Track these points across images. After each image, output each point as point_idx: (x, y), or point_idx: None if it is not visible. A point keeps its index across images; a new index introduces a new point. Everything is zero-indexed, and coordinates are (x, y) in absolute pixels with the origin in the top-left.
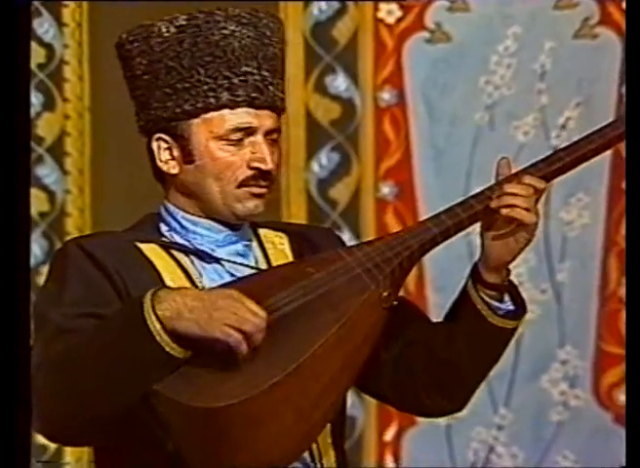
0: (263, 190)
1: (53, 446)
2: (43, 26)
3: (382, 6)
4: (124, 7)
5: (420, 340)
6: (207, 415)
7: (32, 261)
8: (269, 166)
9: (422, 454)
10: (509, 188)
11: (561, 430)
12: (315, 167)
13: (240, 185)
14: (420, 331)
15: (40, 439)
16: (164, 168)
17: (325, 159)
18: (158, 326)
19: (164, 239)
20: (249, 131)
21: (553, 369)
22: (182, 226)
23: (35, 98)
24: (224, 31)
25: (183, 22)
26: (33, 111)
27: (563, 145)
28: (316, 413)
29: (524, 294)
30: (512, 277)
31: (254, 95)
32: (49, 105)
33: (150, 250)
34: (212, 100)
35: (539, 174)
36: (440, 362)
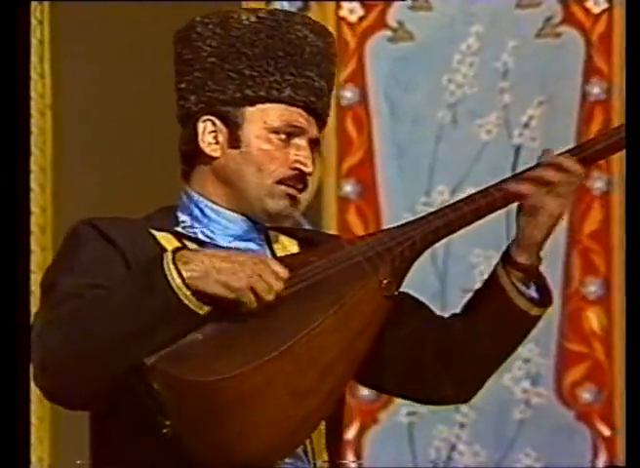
0: (297, 193)
1: None
2: None
3: (345, 4)
4: (85, 5)
5: (429, 330)
6: (202, 389)
7: None
8: (310, 169)
9: (384, 453)
10: (526, 175)
11: (523, 428)
12: None
13: (279, 182)
14: (427, 321)
15: None
16: (206, 149)
17: None
18: (179, 281)
19: (178, 229)
20: (298, 131)
21: (516, 367)
22: (205, 215)
23: None
24: (299, 33)
25: (264, 15)
26: None
27: (526, 144)
28: (313, 400)
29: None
30: (475, 275)
31: (312, 99)
32: None
33: (163, 237)
34: (274, 92)
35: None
36: (457, 349)
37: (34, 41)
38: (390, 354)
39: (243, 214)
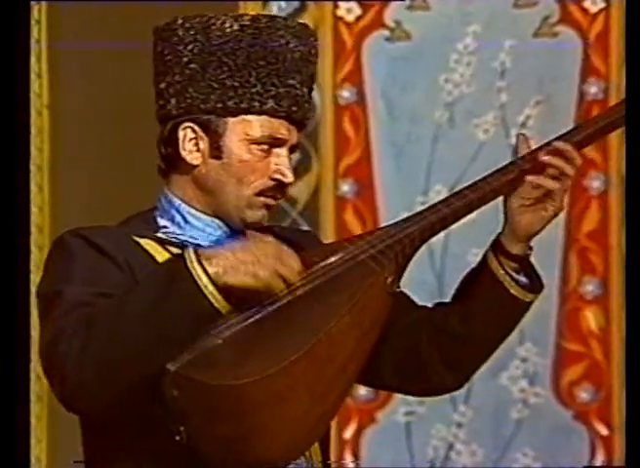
0: (275, 203)
1: None
2: None
3: (342, 4)
4: (82, 5)
5: (422, 320)
6: (229, 393)
7: None
8: (289, 179)
9: (382, 452)
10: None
11: (520, 427)
12: None
13: (258, 194)
14: (418, 313)
15: None
16: (187, 157)
17: None
18: (205, 279)
19: (158, 234)
20: (279, 142)
21: (513, 366)
22: (187, 221)
23: None
24: (282, 40)
25: (247, 23)
26: None
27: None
28: (330, 397)
29: None
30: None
31: (294, 108)
32: None
33: (147, 243)
34: (256, 104)
35: (571, 140)
36: (452, 338)
37: (31, 40)
38: (388, 349)
39: (220, 219)
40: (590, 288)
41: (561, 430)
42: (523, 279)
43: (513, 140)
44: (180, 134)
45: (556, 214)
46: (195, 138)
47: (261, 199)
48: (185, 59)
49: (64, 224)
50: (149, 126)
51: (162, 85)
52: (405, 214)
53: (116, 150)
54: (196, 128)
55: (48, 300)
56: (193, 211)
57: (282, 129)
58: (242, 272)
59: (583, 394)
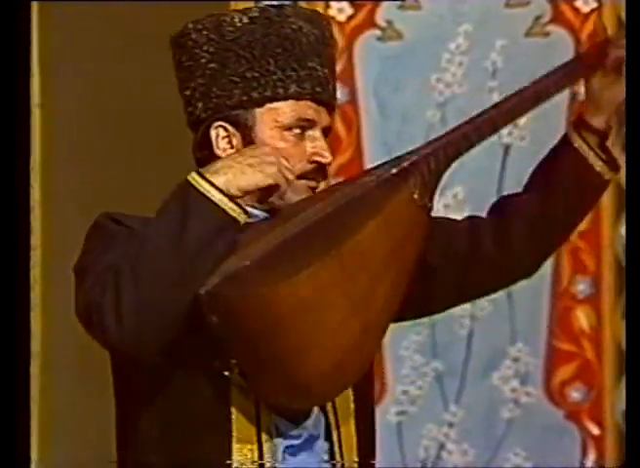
0: (318, 185)
1: None
2: None
3: (334, 4)
4: (75, 5)
5: (476, 227)
6: (259, 302)
7: None
8: (328, 159)
9: None
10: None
11: (512, 427)
12: None
13: (299, 177)
14: (469, 222)
15: None
16: (223, 155)
17: None
18: (215, 192)
19: None
20: (310, 124)
21: (504, 366)
22: None
23: None
24: (293, 26)
25: (256, 14)
26: None
27: (515, 143)
28: (370, 308)
29: None
30: None
31: (318, 89)
32: None
33: None
34: (280, 90)
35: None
36: (528, 221)
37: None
38: (443, 275)
39: (256, 208)
40: (582, 287)
41: (552, 430)
42: (604, 155)
43: (505, 140)
44: (213, 134)
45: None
46: (227, 136)
47: (303, 182)
48: (204, 61)
49: (56, 224)
50: (142, 125)
51: (187, 92)
52: None
53: (108, 149)
54: (227, 125)
55: (81, 273)
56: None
57: (309, 110)
58: (250, 173)
59: (575, 394)
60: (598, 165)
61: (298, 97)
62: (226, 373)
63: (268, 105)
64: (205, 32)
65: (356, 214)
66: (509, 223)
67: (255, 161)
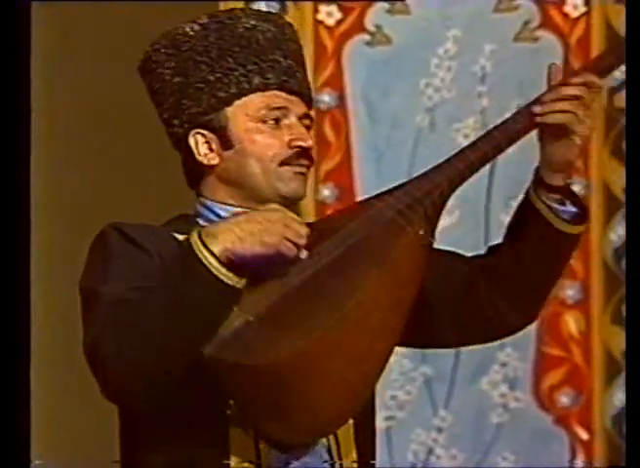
0: (304, 169)
1: None
2: None
3: (322, 8)
4: (70, 5)
5: (475, 270)
6: (263, 372)
7: None
8: (309, 142)
9: None
10: (544, 97)
11: (501, 432)
12: None
13: (282, 164)
14: (470, 264)
15: None
16: (204, 161)
17: None
18: (212, 259)
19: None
20: (282, 112)
21: (493, 371)
22: (221, 218)
23: None
24: (247, 25)
25: (206, 21)
26: None
27: None
28: (370, 358)
29: None
30: None
31: (284, 78)
32: None
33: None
34: (245, 85)
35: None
36: (509, 280)
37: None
38: (444, 307)
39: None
40: (571, 292)
41: (541, 434)
42: (572, 209)
43: None
44: (191, 142)
45: (588, 138)
46: (207, 141)
47: (288, 168)
48: (168, 77)
49: (52, 227)
50: (138, 127)
51: (165, 115)
52: None
53: (105, 151)
54: (203, 131)
55: (87, 298)
56: (227, 207)
57: (277, 99)
58: (249, 242)
59: (564, 398)
60: (560, 224)
61: (264, 89)
62: (228, 412)
63: (237, 102)
64: (163, 50)
65: (360, 264)
66: (490, 285)
67: (257, 228)
